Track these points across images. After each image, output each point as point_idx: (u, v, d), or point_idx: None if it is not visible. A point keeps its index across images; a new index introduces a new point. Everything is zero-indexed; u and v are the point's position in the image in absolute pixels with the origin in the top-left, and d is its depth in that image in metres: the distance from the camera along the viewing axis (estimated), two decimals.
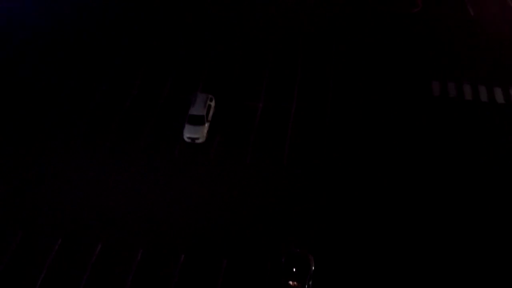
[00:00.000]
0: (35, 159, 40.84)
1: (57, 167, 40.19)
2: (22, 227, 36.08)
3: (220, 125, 44.08)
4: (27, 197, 37.96)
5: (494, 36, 53.64)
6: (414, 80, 48.29)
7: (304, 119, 44.36)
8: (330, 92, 46.94)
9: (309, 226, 36.33)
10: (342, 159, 41.00)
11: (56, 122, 43.95)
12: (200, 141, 42.20)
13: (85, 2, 57.90)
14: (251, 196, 38.38)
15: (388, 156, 41.36)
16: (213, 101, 44.72)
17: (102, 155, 41.24)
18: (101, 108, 45.31)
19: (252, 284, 33.43)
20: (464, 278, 33.70)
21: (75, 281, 33.30)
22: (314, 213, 37.13)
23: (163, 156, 41.31)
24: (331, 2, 58.37)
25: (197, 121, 42.51)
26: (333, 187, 38.93)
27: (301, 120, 44.30)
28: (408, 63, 50.22)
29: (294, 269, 32.85)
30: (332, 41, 52.74)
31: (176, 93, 46.98)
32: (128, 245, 35.21)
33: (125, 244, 35.25)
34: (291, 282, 32.42)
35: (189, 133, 42.17)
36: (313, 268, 33.09)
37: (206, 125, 42.69)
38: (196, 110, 43.01)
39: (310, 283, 32.69)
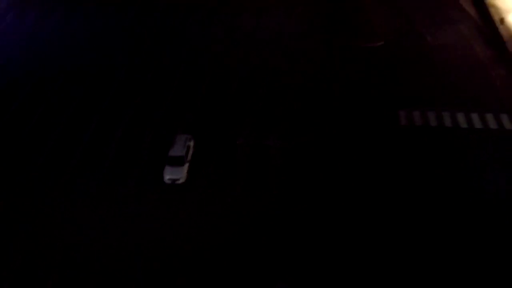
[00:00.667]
0: (18, 199, 41.84)
1: (39, 209, 41.18)
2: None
3: (201, 164, 45.62)
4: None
5: (452, 62, 57.16)
6: (381, 110, 50.93)
7: (283, 157, 46.39)
8: (304, 125, 49.21)
9: (294, 264, 37.85)
10: (310, 191, 42.94)
11: (40, 167, 45.12)
12: (180, 181, 43.58)
13: (67, 43, 59.92)
14: (234, 234, 39.74)
15: (360, 188, 43.41)
16: (192, 141, 46.34)
17: (81, 200, 42.40)
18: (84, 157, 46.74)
19: None
20: None
21: None
22: (296, 252, 38.69)
23: (143, 200, 42.54)
24: (303, 38, 61.59)
25: (177, 162, 43.94)
26: (305, 223, 40.68)
27: (279, 157, 46.33)
28: (375, 94, 52.95)
29: None
30: (304, 75, 55.40)
31: (157, 136, 48.62)
32: None
33: None
34: None
35: (170, 174, 43.52)
36: None
37: (186, 165, 44.16)
38: (175, 151, 44.46)
39: None
